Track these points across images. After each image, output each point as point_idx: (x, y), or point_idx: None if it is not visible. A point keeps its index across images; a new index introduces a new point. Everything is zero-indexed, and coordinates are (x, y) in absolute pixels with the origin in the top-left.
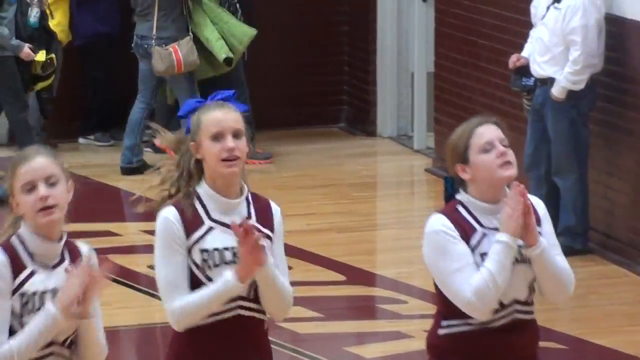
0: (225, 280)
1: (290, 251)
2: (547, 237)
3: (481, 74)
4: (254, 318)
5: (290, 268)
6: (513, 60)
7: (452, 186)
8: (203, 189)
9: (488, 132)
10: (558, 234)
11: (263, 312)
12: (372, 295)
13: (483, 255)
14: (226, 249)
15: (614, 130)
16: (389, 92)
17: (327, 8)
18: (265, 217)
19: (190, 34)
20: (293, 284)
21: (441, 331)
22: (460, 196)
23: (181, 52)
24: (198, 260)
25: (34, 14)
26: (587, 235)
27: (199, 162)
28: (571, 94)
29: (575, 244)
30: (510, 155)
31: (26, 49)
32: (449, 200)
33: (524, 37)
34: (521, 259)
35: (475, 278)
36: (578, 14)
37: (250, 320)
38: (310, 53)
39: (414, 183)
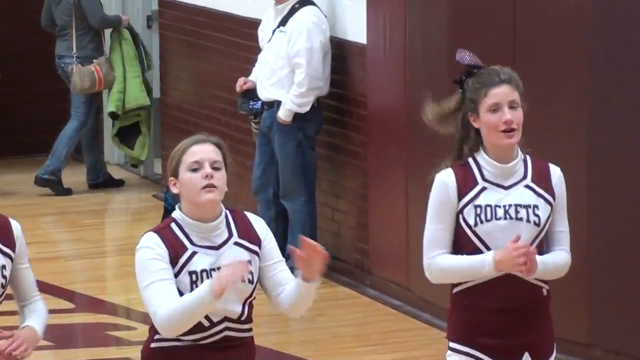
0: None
1: None
2: None
3: (207, 100)
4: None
5: None
6: (240, 84)
7: (171, 197)
8: None
9: (200, 152)
10: (286, 257)
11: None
12: (103, 322)
13: (191, 273)
14: None
15: (340, 152)
16: None
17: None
18: None
19: (107, 53)
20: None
21: (153, 344)
22: (176, 213)
23: (101, 70)
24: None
25: None
26: None
27: None
28: (297, 116)
29: None
30: (218, 179)
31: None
32: (168, 211)
33: (251, 62)
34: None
35: (170, 301)
36: (303, 37)
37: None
38: (31, 82)
39: (142, 209)
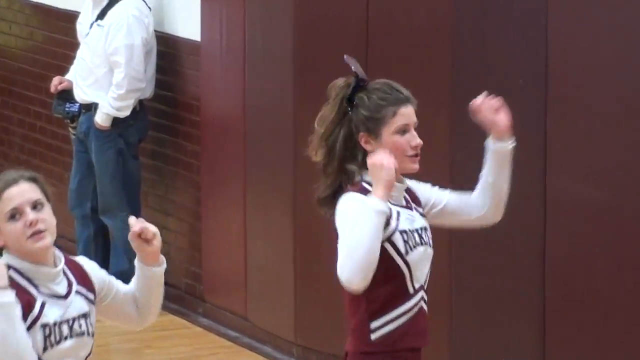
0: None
1: None
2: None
3: (19, 102)
4: None
5: None
6: (55, 84)
7: None
8: None
9: (16, 195)
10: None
11: None
12: None
13: (44, 326)
14: None
15: (170, 163)
16: None
17: None
18: None
19: None
20: None
21: None
22: (8, 259)
23: None
24: None
25: None
26: None
27: None
28: (117, 121)
29: None
30: (44, 220)
31: None
32: None
33: (69, 60)
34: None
35: None
36: (122, 32)
37: None
38: None
39: None
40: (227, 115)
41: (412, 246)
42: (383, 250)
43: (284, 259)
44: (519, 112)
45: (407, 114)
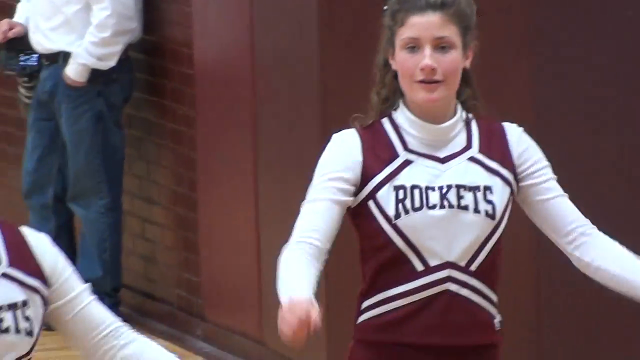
0: None
1: None
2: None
3: None
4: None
5: None
6: (3, 30)
7: None
8: None
9: None
10: None
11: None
12: None
13: None
14: None
15: (154, 134)
16: None
17: None
18: None
19: None
20: None
21: None
22: None
23: None
24: None
25: None
26: (119, 295)
27: None
28: (97, 75)
29: None
30: None
31: None
32: None
33: None
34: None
35: None
36: None
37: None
38: None
39: None
40: (231, 66)
41: (411, 207)
42: (365, 209)
43: None
44: (623, 73)
45: (421, 24)
